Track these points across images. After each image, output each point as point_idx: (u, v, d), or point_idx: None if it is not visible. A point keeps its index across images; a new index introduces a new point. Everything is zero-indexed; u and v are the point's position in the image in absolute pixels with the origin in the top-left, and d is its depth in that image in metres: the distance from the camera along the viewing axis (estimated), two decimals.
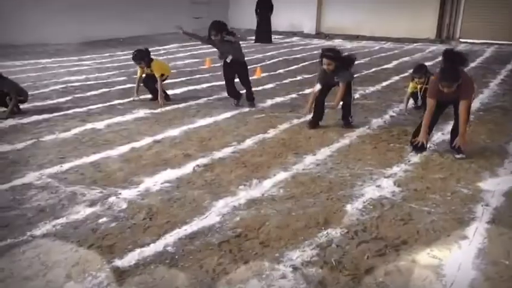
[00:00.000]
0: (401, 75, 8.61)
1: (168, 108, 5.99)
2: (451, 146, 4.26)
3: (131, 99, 6.40)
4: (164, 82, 6.37)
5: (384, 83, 7.95)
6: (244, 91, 6.13)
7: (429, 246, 2.69)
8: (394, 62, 10.56)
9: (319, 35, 16.89)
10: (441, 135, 4.78)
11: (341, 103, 5.17)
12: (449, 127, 4.56)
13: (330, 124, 5.29)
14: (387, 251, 2.64)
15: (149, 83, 6.35)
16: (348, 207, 3.21)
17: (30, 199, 3.27)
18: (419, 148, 4.25)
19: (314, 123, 5.19)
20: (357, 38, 16.15)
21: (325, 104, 5.24)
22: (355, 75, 8.45)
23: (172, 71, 7.14)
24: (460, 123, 4.03)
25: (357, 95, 6.90)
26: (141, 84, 6.39)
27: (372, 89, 7.44)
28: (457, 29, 15.65)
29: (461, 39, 15.42)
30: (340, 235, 2.82)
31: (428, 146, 4.32)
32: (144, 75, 6.28)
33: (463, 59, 4.05)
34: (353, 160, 4.17)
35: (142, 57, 6.12)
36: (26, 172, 3.77)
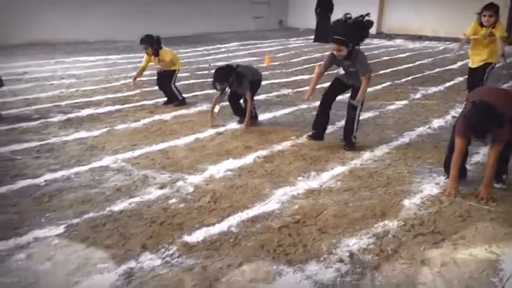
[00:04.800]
0: (467, 76, 8.34)
1: None
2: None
3: (134, 92, 6.39)
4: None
5: (447, 84, 7.78)
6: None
7: (487, 243, 2.70)
8: (459, 63, 10.22)
9: (380, 34, 16.63)
10: None
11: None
12: None
13: (389, 123, 5.29)
14: (444, 244, 2.69)
15: (165, 84, 6.09)
16: (406, 201, 3.27)
17: (108, 180, 3.60)
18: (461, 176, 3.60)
19: (316, 135, 4.47)
20: (420, 38, 15.74)
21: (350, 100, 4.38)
22: (417, 75, 8.33)
23: None
24: (486, 171, 3.38)
25: (418, 95, 6.84)
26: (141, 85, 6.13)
27: (434, 89, 7.32)
28: None
29: None
30: (396, 227, 2.90)
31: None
32: (158, 72, 6.08)
33: (496, 116, 3.10)
34: (412, 158, 4.19)
35: (151, 42, 5.81)
36: (102, 156, 4.13)
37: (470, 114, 3.18)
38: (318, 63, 8.62)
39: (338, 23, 4.11)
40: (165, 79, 6.14)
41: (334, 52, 4.12)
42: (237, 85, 4.94)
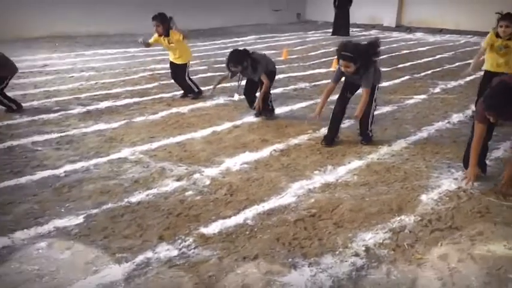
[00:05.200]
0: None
1: None
2: None
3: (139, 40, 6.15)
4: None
5: (468, 78, 7.61)
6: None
7: (506, 239, 2.67)
8: (481, 57, 10.01)
9: (399, 27, 16.39)
10: None
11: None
12: None
13: (408, 117, 5.23)
14: (462, 240, 2.66)
15: (179, 77, 6.12)
16: (423, 197, 3.24)
17: (126, 171, 3.66)
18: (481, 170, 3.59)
19: (330, 139, 4.37)
20: (441, 31, 15.46)
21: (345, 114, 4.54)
22: (437, 69, 8.19)
23: None
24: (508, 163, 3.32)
25: (437, 89, 6.74)
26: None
27: (453, 83, 7.20)
28: None
29: None
30: (413, 222, 2.88)
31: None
32: (170, 64, 6.14)
33: None
34: (430, 153, 4.14)
35: (163, 20, 5.72)
36: (121, 148, 4.19)
37: (489, 94, 3.09)
38: (334, 62, 8.55)
39: (347, 41, 4.17)
40: (178, 72, 6.18)
41: (342, 69, 4.11)
42: (252, 71, 4.96)
